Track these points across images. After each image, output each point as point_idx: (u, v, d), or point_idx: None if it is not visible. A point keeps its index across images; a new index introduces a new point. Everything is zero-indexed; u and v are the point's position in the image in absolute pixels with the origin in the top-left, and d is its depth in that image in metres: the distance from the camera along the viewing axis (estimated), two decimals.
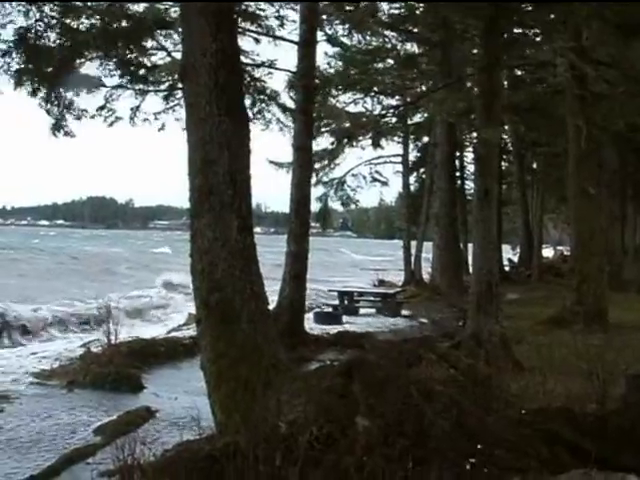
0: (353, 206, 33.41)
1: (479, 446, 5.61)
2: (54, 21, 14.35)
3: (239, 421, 6.20)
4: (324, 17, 18.79)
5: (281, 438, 5.51)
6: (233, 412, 6.83)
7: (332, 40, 20.24)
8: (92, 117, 17.50)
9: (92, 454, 8.81)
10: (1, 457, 9.04)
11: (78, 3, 14.81)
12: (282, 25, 18.71)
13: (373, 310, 24.81)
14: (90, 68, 16.48)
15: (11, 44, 13.80)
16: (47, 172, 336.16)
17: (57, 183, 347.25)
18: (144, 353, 15.13)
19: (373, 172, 32.71)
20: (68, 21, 14.66)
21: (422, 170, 38.65)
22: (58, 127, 16.38)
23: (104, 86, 17.21)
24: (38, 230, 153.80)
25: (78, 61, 15.90)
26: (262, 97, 19.68)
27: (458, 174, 38.04)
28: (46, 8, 13.92)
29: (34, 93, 15.41)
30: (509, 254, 52.99)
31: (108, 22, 15.33)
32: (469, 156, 40.32)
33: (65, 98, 16.15)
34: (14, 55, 13.89)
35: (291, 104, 19.72)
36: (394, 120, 29.73)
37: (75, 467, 8.46)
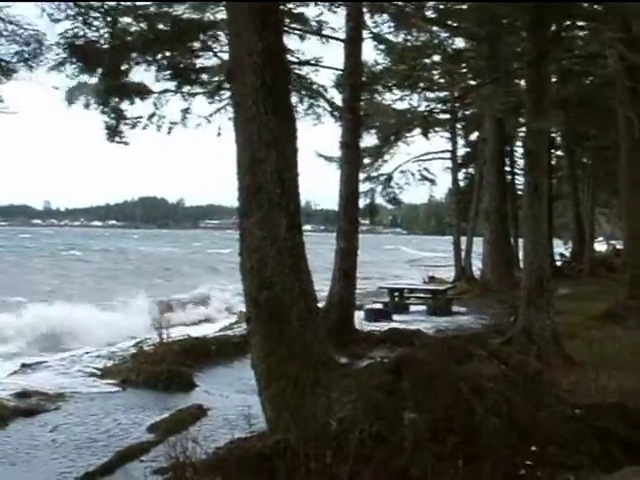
0: (399, 204, 33.24)
1: (531, 444, 5.57)
2: (100, 24, 14.55)
3: (289, 419, 6.22)
4: (369, 15, 18.69)
5: (331, 435, 5.52)
6: (283, 410, 6.86)
7: (378, 38, 20.13)
8: (144, 128, 17.72)
9: (145, 452, 8.89)
10: (57, 455, 9.18)
11: (127, 3, 14.99)
12: (320, 29, 18.67)
13: (423, 307, 24.69)
14: (136, 74, 16.69)
15: (64, 53, 14.06)
16: (99, 173, 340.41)
17: (109, 184, 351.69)
18: (195, 352, 15.23)
19: (422, 169, 32.55)
20: (115, 25, 14.84)
21: (471, 165, 38.35)
22: (113, 135, 16.66)
23: (151, 92, 17.34)
24: (93, 231, 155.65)
25: (125, 67, 16.09)
26: (309, 93, 19.66)
27: (508, 169, 37.70)
28: (92, 11, 14.10)
29: (87, 106, 15.74)
30: (560, 249, 52.35)
31: (155, 25, 15.51)
32: (520, 151, 39.92)
33: (118, 108, 16.44)
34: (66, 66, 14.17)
35: (338, 101, 19.68)
36: (441, 116, 29.57)
37: (129, 465, 8.56)
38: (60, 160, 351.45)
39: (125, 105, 16.80)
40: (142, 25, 15.51)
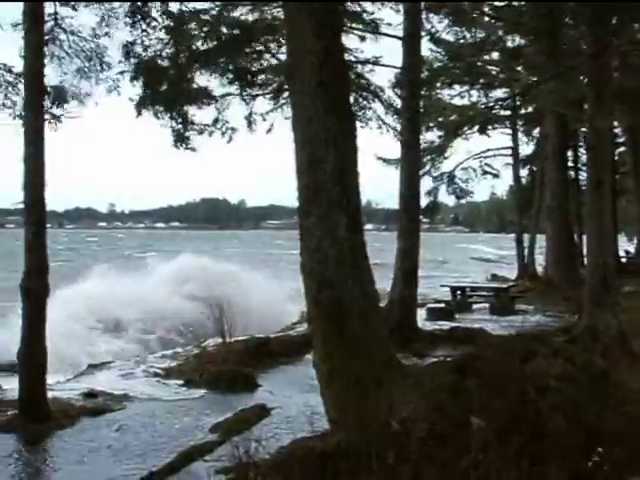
0: (465, 200, 33.01)
1: (597, 444, 5.46)
2: (161, 33, 14.76)
3: (351, 419, 6.20)
4: (425, 12, 18.59)
5: (393, 436, 5.49)
6: (345, 410, 6.84)
7: (434, 36, 20.04)
8: (210, 134, 17.88)
9: (209, 452, 8.95)
10: (122, 454, 9.30)
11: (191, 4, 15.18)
12: (377, 27, 18.62)
13: (486, 305, 24.46)
14: (199, 79, 16.90)
15: (134, 68, 14.33)
16: (162, 176, 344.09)
17: (172, 186, 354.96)
18: (258, 351, 15.32)
19: (483, 165, 32.27)
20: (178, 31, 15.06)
21: (533, 162, 37.90)
22: (180, 141, 16.89)
23: (213, 97, 17.49)
24: (158, 232, 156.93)
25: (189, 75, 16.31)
26: (365, 94, 19.63)
27: (572, 165, 37.17)
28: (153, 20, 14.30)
29: (157, 116, 16.00)
30: (625, 245, 51.47)
31: (218, 29, 15.66)
32: (584, 146, 39.32)
33: (185, 115, 16.67)
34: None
35: (396, 100, 19.62)
36: (502, 113, 29.28)
37: (193, 465, 8.63)
38: (124, 163, 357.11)
39: (193, 110, 17.06)
40: (205, 30, 15.69)
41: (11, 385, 11.63)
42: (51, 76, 13.65)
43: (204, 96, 17.04)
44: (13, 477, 8.76)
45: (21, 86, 13.69)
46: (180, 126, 16.97)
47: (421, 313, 20.28)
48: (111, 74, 14.49)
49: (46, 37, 13.25)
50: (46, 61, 13.17)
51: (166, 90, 15.93)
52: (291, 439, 7.33)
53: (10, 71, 13.63)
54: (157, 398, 12.33)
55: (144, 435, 10.15)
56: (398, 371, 7.42)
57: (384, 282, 15.58)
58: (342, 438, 5.73)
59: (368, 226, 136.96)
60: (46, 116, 13.05)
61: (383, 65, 19.29)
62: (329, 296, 7.67)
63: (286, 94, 17.76)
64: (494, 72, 24.41)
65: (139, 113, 16.15)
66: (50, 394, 11.34)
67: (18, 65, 12.47)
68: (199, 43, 16.18)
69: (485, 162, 32.44)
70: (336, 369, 7.50)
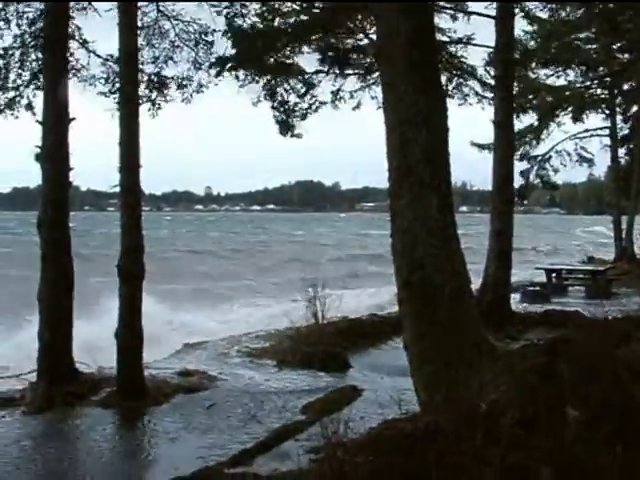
0: (554, 188, 32.38)
1: None
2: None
3: (441, 401, 6.17)
4: None
5: (482, 418, 5.45)
6: (435, 392, 6.80)
7: (529, 14, 19.65)
8: (306, 117, 17.96)
9: (300, 431, 9.05)
10: (214, 432, 9.49)
11: None
12: (468, 8, 18.38)
13: (582, 288, 24.05)
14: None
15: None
16: (258, 159, 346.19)
17: (267, 169, 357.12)
18: (351, 333, 15.39)
19: (578, 148, 31.53)
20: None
21: (631, 142, 36.92)
22: (286, 130, 17.06)
23: (305, 73, 17.54)
24: (256, 215, 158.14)
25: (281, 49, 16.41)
26: (459, 73, 19.39)
27: None
28: None
29: (256, 103, 16.23)
30: None
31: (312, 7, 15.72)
32: None
33: (286, 102, 16.82)
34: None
35: (489, 80, 19.33)
36: (599, 92, 28.60)
37: (284, 444, 8.73)
38: (221, 147, 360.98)
39: (292, 98, 17.21)
40: (296, 6, 15.77)
41: (109, 364, 11.95)
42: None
43: (295, 72, 17.12)
44: (111, 451, 9.04)
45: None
46: (284, 115, 17.15)
47: (515, 296, 20.06)
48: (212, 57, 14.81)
49: (148, 24, 13.58)
50: (147, 48, 13.57)
51: (256, 62, 16.06)
52: (380, 420, 7.34)
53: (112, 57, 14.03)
54: (250, 378, 12.51)
55: (236, 414, 10.33)
56: (489, 353, 7.34)
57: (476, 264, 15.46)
58: (431, 420, 5.72)
59: (462, 208, 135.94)
60: (146, 103, 13.44)
61: (475, 45, 19.02)
62: (420, 277, 7.62)
63: (375, 74, 17.70)
64: (591, 50, 23.80)
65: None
66: (146, 372, 11.63)
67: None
68: (292, 20, 16.31)
69: (581, 145, 31.74)
70: (426, 351, 7.46)
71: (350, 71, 18.56)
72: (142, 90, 13.76)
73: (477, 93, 19.96)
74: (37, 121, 11.90)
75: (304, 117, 17.53)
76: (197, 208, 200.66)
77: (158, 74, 14.42)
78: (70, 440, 9.55)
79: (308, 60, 17.25)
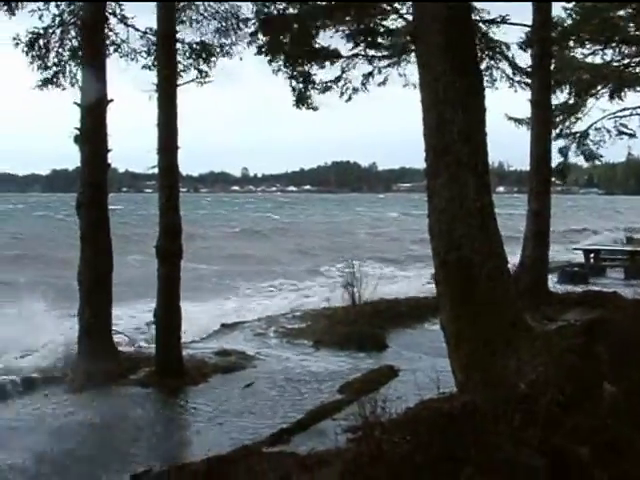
0: (598, 161, 31.94)
1: None
2: None
3: (478, 380, 6.17)
4: None
5: (520, 398, 5.44)
6: (472, 372, 6.81)
7: None
8: (327, 90, 17.81)
9: (337, 410, 9.10)
10: (252, 411, 9.57)
11: None
12: None
13: (621, 269, 23.83)
14: (324, 39, 16.86)
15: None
16: (294, 140, 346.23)
17: (303, 150, 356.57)
18: (387, 313, 15.40)
19: (618, 125, 31.08)
20: None
21: None
22: (302, 100, 16.98)
23: (340, 56, 17.45)
24: (296, 196, 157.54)
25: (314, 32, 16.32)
26: (491, 54, 19.17)
27: None
28: None
29: (276, 72, 16.13)
30: None
31: None
32: None
33: (306, 73, 16.74)
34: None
35: (525, 59, 19.10)
36: (638, 70, 28.13)
37: (321, 423, 8.78)
38: (256, 128, 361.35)
39: (314, 70, 17.08)
40: None
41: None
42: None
43: (330, 54, 17.03)
44: (147, 429, 9.15)
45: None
46: (301, 85, 17.01)
47: (552, 277, 19.93)
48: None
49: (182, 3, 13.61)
50: (183, 26, 13.59)
51: (290, 45, 16.03)
52: (417, 400, 7.35)
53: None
54: (287, 358, 12.58)
55: (273, 393, 10.41)
56: (527, 333, 7.32)
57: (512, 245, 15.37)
58: (468, 399, 5.72)
59: (500, 188, 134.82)
60: (192, 72, 13.49)
61: (512, 24, 18.78)
62: (457, 257, 7.61)
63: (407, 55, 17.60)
64: (630, 28, 23.41)
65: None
66: (185, 352, 11.74)
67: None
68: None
69: (620, 122, 31.30)
70: (464, 331, 7.46)
71: (383, 53, 18.40)
72: (185, 60, 13.89)
73: (508, 77, 19.72)
74: (75, 103, 11.99)
75: (324, 91, 17.39)
76: (233, 189, 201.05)
77: (202, 42, 14.42)
78: (107, 418, 9.67)
79: (335, 41, 17.10)
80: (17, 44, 13.60)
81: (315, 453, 7.09)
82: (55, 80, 14.09)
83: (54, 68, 13.98)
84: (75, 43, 13.77)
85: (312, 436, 8.36)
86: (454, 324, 7.61)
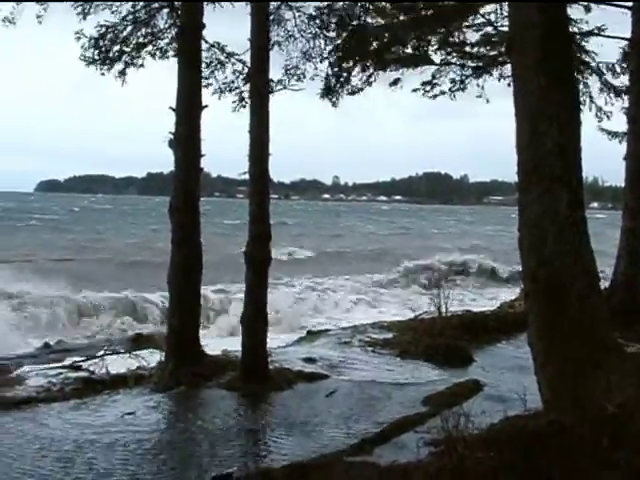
0: None
1: None
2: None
3: (566, 400, 6.06)
4: None
5: (609, 420, 5.32)
6: (560, 390, 6.68)
7: None
8: (414, 90, 17.78)
9: (420, 423, 9.01)
10: (332, 421, 9.54)
11: None
12: None
13: None
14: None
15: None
16: (386, 150, 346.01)
17: (395, 160, 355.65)
18: (474, 326, 15.23)
19: None
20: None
21: None
22: (329, 93, 16.74)
23: (432, 64, 17.34)
24: (396, 206, 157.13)
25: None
26: (582, 68, 18.73)
27: None
28: None
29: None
30: None
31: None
32: None
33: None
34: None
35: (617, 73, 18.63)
36: None
37: (403, 435, 8.72)
38: (348, 137, 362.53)
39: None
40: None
41: (235, 347, 12.21)
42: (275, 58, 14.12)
43: (422, 61, 16.95)
44: (227, 432, 9.22)
45: (229, 65, 14.41)
46: (332, 78, 16.69)
47: None
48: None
49: (272, 16, 13.66)
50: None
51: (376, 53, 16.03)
52: (501, 417, 7.26)
53: (222, 50, 14.24)
54: (372, 367, 12.54)
55: (356, 403, 10.38)
56: (617, 354, 7.16)
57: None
58: (555, 419, 5.62)
59: (594, 204, 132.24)
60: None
61: (608, 36, 18.36)
62: (547, 273, 7.49)
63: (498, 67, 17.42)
64: None
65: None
66: (270, 357, 11.81)
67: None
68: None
69: None
70: (552, 348, 7.33)
71: (474, 64, 18.21)
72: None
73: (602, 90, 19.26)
74: (170, 108, 12.18)
75: (354, 93, 17.18)
76: (324, 197, 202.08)
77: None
78: (189, 419, 9.77)
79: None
80: (79, 38, 13.72)
81: (397, 465, 7.06)
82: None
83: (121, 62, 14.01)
84: (141, 40, 13.83)
85: (393, 447, 8.32)
86: (542, 341, 7.49)
